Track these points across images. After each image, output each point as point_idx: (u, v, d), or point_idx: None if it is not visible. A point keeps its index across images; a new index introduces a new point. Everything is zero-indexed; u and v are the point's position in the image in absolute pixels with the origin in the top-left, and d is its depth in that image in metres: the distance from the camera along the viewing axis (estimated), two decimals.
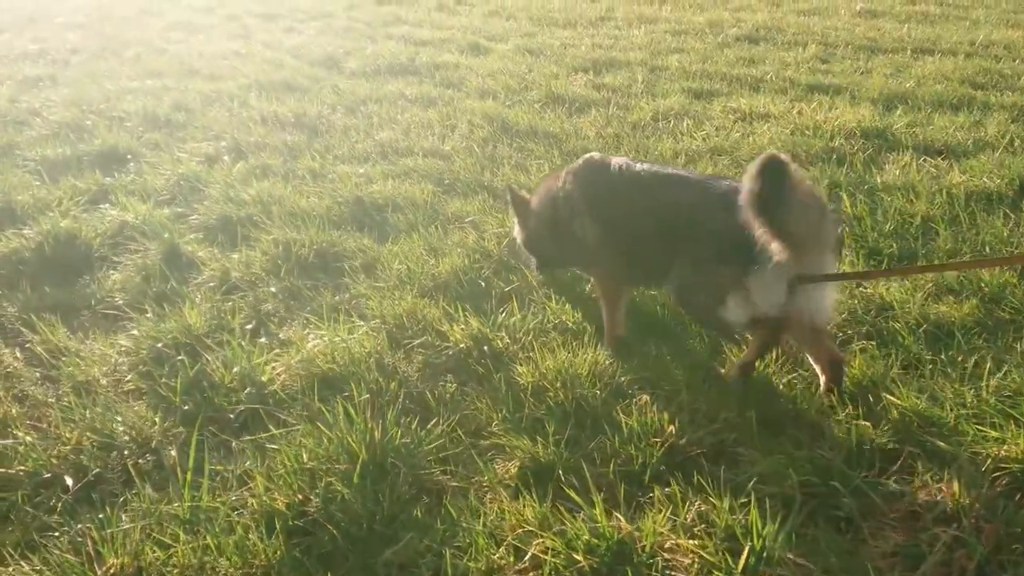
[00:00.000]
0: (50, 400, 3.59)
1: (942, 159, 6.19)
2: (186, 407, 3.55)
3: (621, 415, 3.30)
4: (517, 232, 4.40)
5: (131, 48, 12.09)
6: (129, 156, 7.06)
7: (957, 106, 7.87)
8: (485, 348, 3.86)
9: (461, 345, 3.90)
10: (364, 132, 7.64)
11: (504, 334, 3.93)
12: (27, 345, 4.07)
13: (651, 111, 8.06)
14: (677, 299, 3.66)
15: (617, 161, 3.81)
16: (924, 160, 6.20)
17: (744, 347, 3.70)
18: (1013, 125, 7.07)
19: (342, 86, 9.52)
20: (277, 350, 3.92)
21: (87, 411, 3.43)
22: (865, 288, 4.22)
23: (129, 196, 5.97)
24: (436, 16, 15.90)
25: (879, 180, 5.80)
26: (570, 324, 4.12)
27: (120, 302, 4.58)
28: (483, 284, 4.56)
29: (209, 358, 3.84)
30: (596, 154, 4.01)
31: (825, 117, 7.36)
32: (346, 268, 4.87)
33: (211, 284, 4.71)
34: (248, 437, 3.33)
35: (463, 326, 4.02)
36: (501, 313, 4.13)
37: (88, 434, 3.34)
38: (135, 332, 4.09)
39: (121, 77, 10.10)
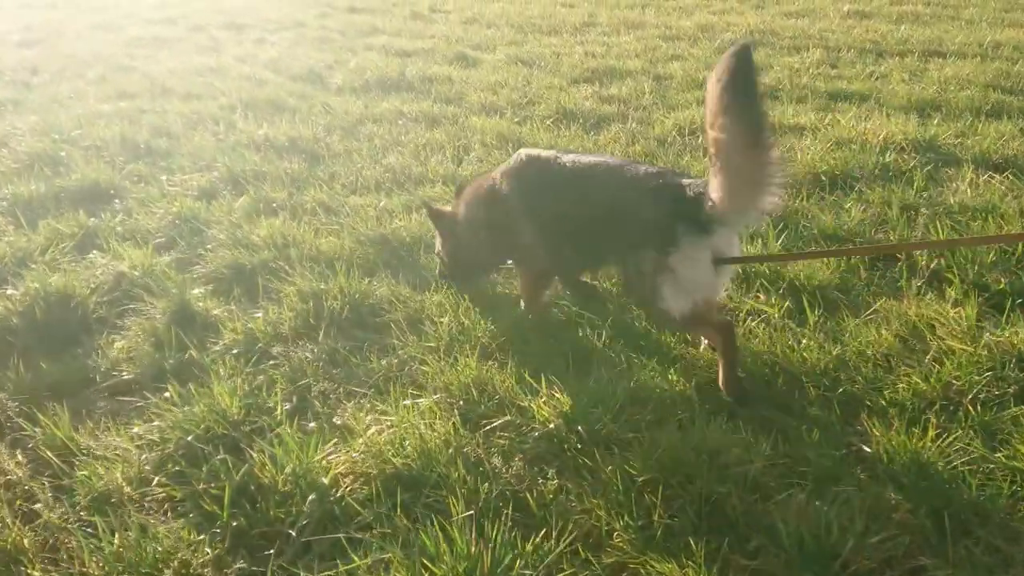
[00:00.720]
0: (68, 523, 2.91)
1: (1010, 174, 5.71)
2: (235, 523, 2.90)
3: (778, 522, 2.72)
4: (439, 245, 4.53)
5: (94, 67, 11.27)
6: (112, 192, 6.34)
7: (995, 113, 7.46)
8: (579, 428, 3.25)
9: (550, 425, 3.30)
10: (369, 157, 7.00)
11: (599, 409, 3.33)
12: (30, 445, 3.38)
13: (673, 125, 7.53)
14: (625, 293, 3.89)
15: (546, 154, 3.85)
16: (990, 176, 5.72)
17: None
18: None
19: (333, 104, 8.86)
20: (334, 440, 3.28)
21: (115, 537, 2.77)
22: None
23: (121, 241, 5.28)
24: (412, 25, 15.28)
25: (952, 200, 5.31)
26: (666, 391, 3.54)
27: (129, 376, 3.92)
28: (553, 340, 3.96)
29: (252, 453, 3.20)
30: (527, 150, 4.00)
31: (865, 128, 6.87)
32: (387, 324, 4.25)
33: (235, 351, 4.06)
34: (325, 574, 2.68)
35: (546, 399, 3.42)
36: (588, 380, 3.53)
37: (119, 568, 2.68)
38: (158, 422, 3.42)
39: (89, 99, 9.32)
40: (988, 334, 3.68)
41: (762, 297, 4.25)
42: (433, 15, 16.72)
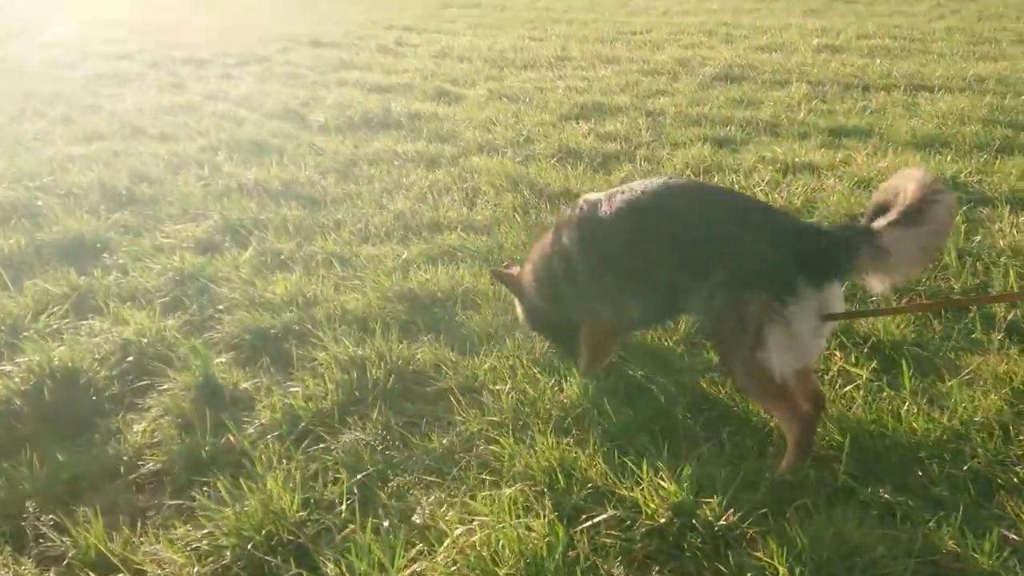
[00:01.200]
0: None
1: None
2: None
3: None
4: (519, 312, 4.17)
5: (56, 106, 10.69)
6: (99, 245, 5.84)
7: (1005, 149, 7.35)
8: (695, 522, 2.89)
9: (660, 520, 2.93)
10: (372, 201, 6.60)
11: (715, 498, 2.97)
12: (64, 562, 2.89)
13: (681, 163, 7.28)
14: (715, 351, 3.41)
15: (607, 193, 3.49)
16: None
17: None
18: None
19: (320, 144, 8.45)
20: (418, 544, 2.86)
21: None
22: None
23: (120, 303, 4.79)
24: (381, 59, 14.94)
25: (1002, 244, 5.10)
26: (768, 466, 3.20)
27: (157, 465, 3.45)
28: (629, 410, 3.60)
29: (326, 562, 2.76)
30: (587, 196, 3.64)
31: (884, 167, 6.69)
32: (439, 394, 3.86)
33: (276, 432, 3.61)
34: None
35: (648, 487, 3.05)
36: (681, 459, 3.17)
37: None
38: (208, 525, 2.96)
39: (56, 141, 8.77)
40: None
41: (838, 355, 3.95)
42: (400, 48, 16.42)
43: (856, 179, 6.51)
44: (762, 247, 2.97)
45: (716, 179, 6.78)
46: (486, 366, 4.02)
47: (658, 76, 12.19)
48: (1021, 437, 3.30)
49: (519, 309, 4.18)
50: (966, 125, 8.23)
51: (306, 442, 3.58)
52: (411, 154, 8.00)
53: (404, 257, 5.38)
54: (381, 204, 6.51)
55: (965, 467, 3.14)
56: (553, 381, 3.82)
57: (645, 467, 3.10)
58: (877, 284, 2.91)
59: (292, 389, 3.89)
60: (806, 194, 6.26)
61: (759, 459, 3.25)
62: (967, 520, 2.87)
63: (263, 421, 3.69)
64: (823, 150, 7.56)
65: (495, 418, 3.61)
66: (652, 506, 2.96)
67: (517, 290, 4.11)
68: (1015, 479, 3.07)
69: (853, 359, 3.89)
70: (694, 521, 2.89)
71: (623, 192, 3.40)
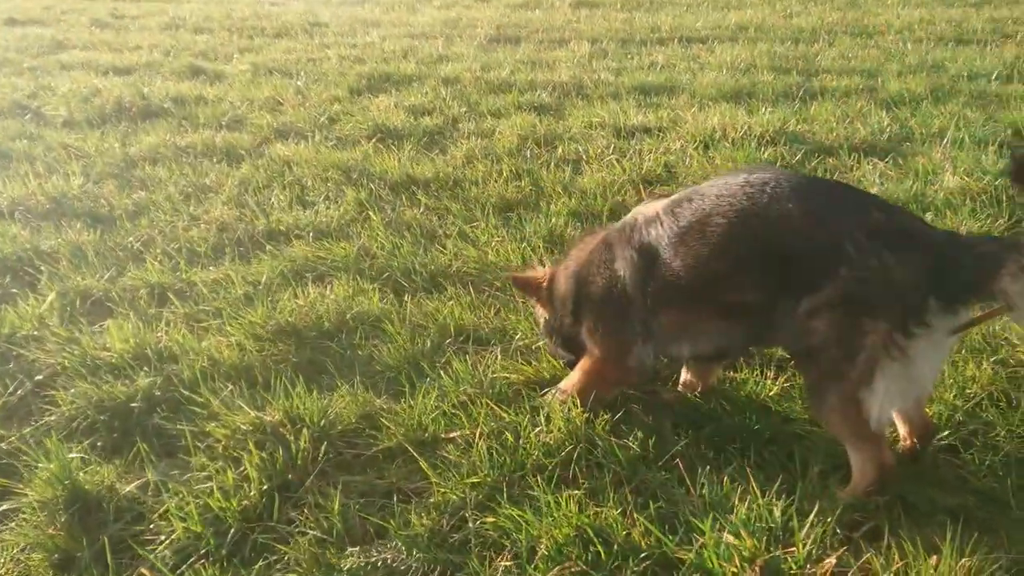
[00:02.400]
0: None
1: (882, 160, 5.66)
2: None
3: None
4: (546, 318, 3.49)
5: None
6: None
7: (805, 96, 7.56)
8: None
9: None
10: (177, 211, 5.48)
11: (796, 544, 2.54)
12: None
13: (513, 135, 6.78)
14: (801, 373, 2.94)
15: (670, 203, 2.88)
16: (873, 163, 5.65)
17: None
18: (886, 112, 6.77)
19: (76, 145, 6.98)
20: None
21: None
22: None
23: None
24: (102, 35, 13.04)
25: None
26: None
27: None
28: (628, 440, 3.09)
29: None
30: (646, 207, 3.04)
31: (713, 124, 6.57)
32: (387, 456, 3.13)
33: (200, 548, 2.70)
34: None
35: (710, 543, 2.56)
36: (733, 496, 2.72)
37: None
38: None
39: None
40: None
41: None
42: (119, 22, 14.43)
43: (697, 139, 6.34)
44: (887, 259, 2.38)
45: (561, 150, 6.35)
46: (431, 411, 3.30)
47: (429, 39, 11.58)
48: None
49: (541, 321, 3.59)
50: (758, 75, 8.42)
51: (245, 553, 2.71)
52: (198, 147, 6.82)
53: (255, 280, 4.43)
54: (191, 214, 5.41)
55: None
56: (526, 419, 3.19)
57: (710, 520, 2.59)
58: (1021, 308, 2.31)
59: (201, 485, 2.95)
60: (655, 158, 5.99)
61: (791, 477, 2.85)
62: None
63: (175, 536, 2.75)
64: (644, 110, 7.38)
65: (475, 479, 2.94)
66: (734, 569, 2.46)
67: (545, 300, 3.46)
68: None
69: None
70: None
71: (691, 200, 2.79)
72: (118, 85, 8.93)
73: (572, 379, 3.30)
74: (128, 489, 2.97)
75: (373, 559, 2.66)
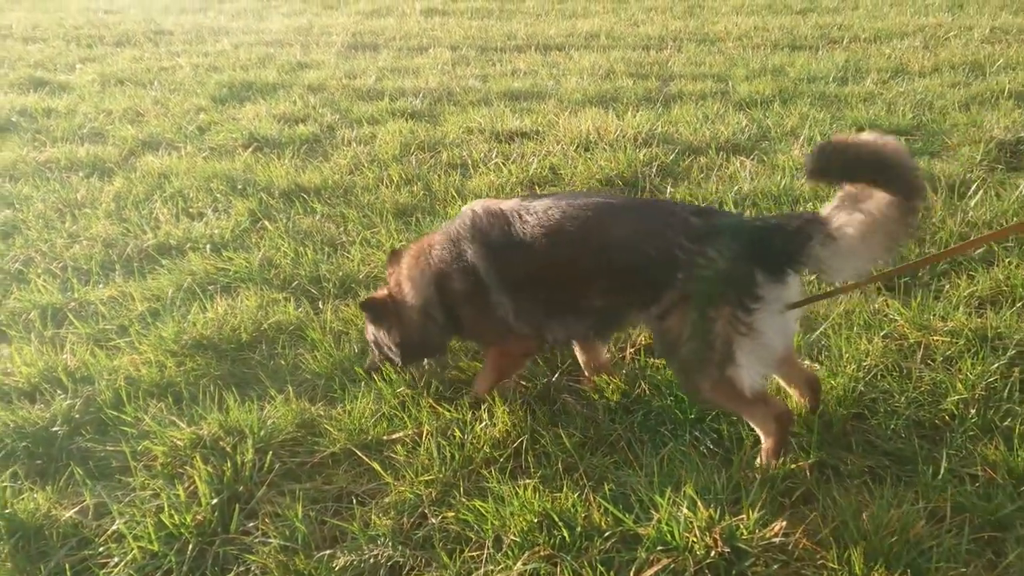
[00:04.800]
0: None
1: (747, 157, 6.12)
2: None
3: None
4: (385, 338, 3.51)
5: None
6: None
7: (660, 100, 8.01)
8: (743, 545, 2.67)
9: (713, 555, 2.65)
10: (52, 228, 5.22)
11: (743, 513, 2.77)
12: None
13: (393, 142, 6.83)
14: (671, 369, 3.21)
15: (511, 204, 3.15)
16: (742, 161, 6.10)
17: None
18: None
19: None
20: None
21: None
22: None
23: None
24: None
25: (747, 189, 5.50)
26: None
27: None
28: (572, 430, 3.25)
29: None
30: (479, 203, 3.27)
31: (585, 128, 6.86)
32: (334, 461, 3.16)
33: (161, 567, 2.65)
34: None
35: (665, 514, 2.76)
36: (679, 473, 2.94)
37: None
38: None
39: None
40: None
41: None
42: None
43: (575, 142, 6.60)
44: (711, 255, 2.72)
45: (445, 155, 6.46)
46: (370, 414, 3.35)
47: (285, 47, 11.40)
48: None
49: (384, 337, 3.53)
50: (618, 80, 8.81)
51: (207, 567, 2.68)
52: (61, 161, 6.48)
53: (155, 295, 4.31)
54: (68, 232, 5.15)
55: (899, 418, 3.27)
56: (471, 415, 3.29)
57: (661, 496, 2.78)
58: (837, 274, 2.72)
59: (149, 503, 2.87)
60: (540, 161, 6.20)
61: (723, 452, 3.11)
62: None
63: (131, 556, 2.68)
64: (518, 115, 7.58)
65: (428, 476, 3.02)
66: (694, 539, 2.64)
67: (395, 318, 3.46)
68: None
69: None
70: (741, 544, 2.64)
71: (541, 209, 3.04)
72: None
73: (484, 373, 3.46)
74: (68, 515, 2.86)
75: (341, 561, 2.69)
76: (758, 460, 3.00)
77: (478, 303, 3.22)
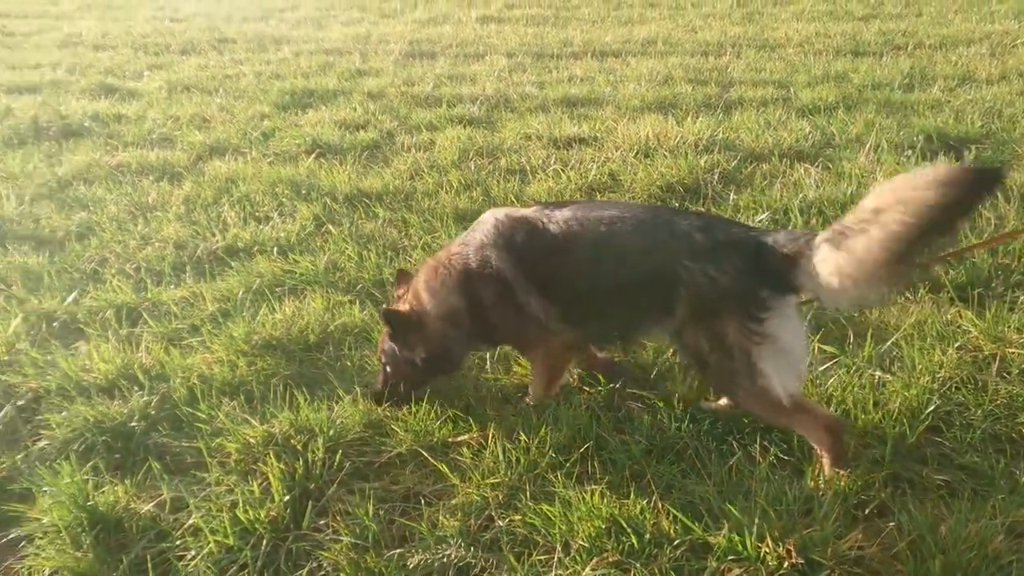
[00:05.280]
0: None
1: (812, 165, 6.02)
2: None
3: None
4: (407, 352, 3.46)
5: None
6: None
7: (725, 107, 7.96)
8: (818, 557, 2.64)
9: (785, 566, 2.63)
10: (125, 230, 5.38)
11: (819, 526, 2.74)
12: None
13: (452, 148, 6.88)
14: (699, 374, 3.21)
15: (532, 213, 3.22)
16: (804, 167, 6.01)
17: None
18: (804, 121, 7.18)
19: (7, 167, 6.70)
20: None
21: None
22: None
23: None
24: None
25: (812, 196, 5.41)
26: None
27: None
28: (637, 436, 3.24)
29: None
30: (502, 211, 3.34)
31: (644, 134, 6.83)
32: (401, 462, 3.21)
33: (235, 561, 2.71)
34: None
35: (734, 524, 2.74)
36: (748, 485, 2.91)
37: None
38: None
39: None
40: None
41: None
42: (11, 39, 13.82)
43: (634, 148, 6.59)
44: (712, 272, 2.78)
45: (503, 161, 6.49)
46: (436, 416, 3.39)
47: (344, 55, 11.55)
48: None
49: (409, 354, 3.47)
50: (676, 86, 8.77)
51: (280, 563, 2.74)
52: (132, 165, 6.67)
53: (225, 296, 4.40)
54: (141, 234, 5.29)
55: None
56: (537, 418, 3.31)
57: (735, 506, 2.76)
58: (829, 304, 2.77)
59: (224, 499, 2.94)
60: (599, 167, 6.19)
61: (792, 462, 3.07)
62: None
63: (208, 550, 2.74)
64: (575, 121, 7.60)
65: (495, 479, 3.04)
66: (767, 549, 2.62)
67: (418, 330, 3.43)
68: None
69: None
70: (815, 556, 2.60)
71: (561, 219, 3.13)
72: (30, 104, 8.58)
73: (537, 377, 3.50)
74: (146, 508, 2.94)
75: (412, 561, 2.72)
76: (826, 472, 2.96)
77: (508, 305, 3.26)
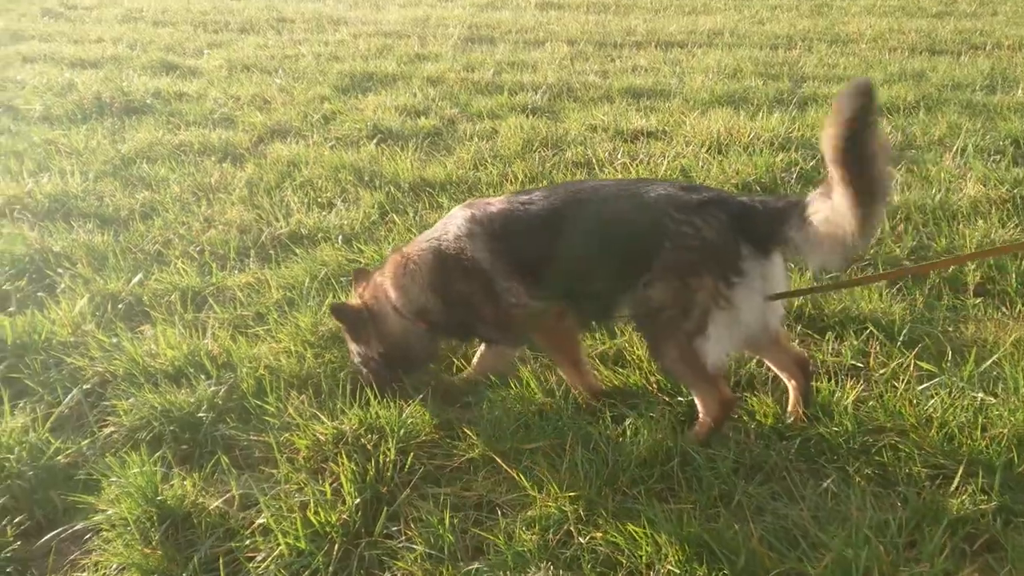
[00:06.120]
0: None
1: (894, 167, 5.75)
2: None
3: None
4: (364, 349, 3.47)
5: None
6: None
7: (798, 103, 7.69)
8: None
9: None
10: (188, 211, 5.33)
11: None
12: None
13: (515, 137, 6.72)
14: (642, 334, 3.26)
15: (504, 199, 3.25)
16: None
17: None
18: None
19: (62, 141, 6.72)
20: None
21: None
22: None
23: None
24: (57, 26, 12.59)
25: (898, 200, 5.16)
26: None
27: None
28: (727, 449, 3.08)
29: None
30: (468, 203, 3.37)
31: (716, 129, 6.62)
32: (473, 467, 3.08)
33: (307, 567, 2.61)
34: None
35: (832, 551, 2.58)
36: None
37: None
38: None
39: None
40: None
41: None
42: (72, 12, 13.92)
43: (705, 142, 6.38)
44: (698, 224, 2.81)
45: (568, 153, 6.33)
46: (511, 420, 3.25)
47: (403, 38, 11.43)
48: None
49: (363, 349, 3.49)
50: (746, 80, 8.52)
51: (352, 570, 2.63)
52: (194, 145, 6.62)
53: (289, 284, 4.31)
54: (205, 216, 5.23)
55: None
56: (613, 424, 3.17)
57: (824, 533, 2.60)
58: (812, 262, 2.84)
59: (294, 498, 2.84)
60: (669, 162, 6.01)
61: (890, 487, 2.89)
62: None
63: (278, 552, 2.64)
64: (641, 113, 7.41)
65: (573, 491, 2.90)
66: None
67: (374, 322, 3.43)
68: None
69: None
70: None
71: (538, 198, 3.14)
72: (93, 80, 8.60)
73: (558, 363, 3.48)
74: (215, 504, 2.85)
75: (486, 574, 2.60)
76: (697, 431, 3.06)
77: (489, 296, 3.20)
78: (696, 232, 2.81)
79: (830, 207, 2.55)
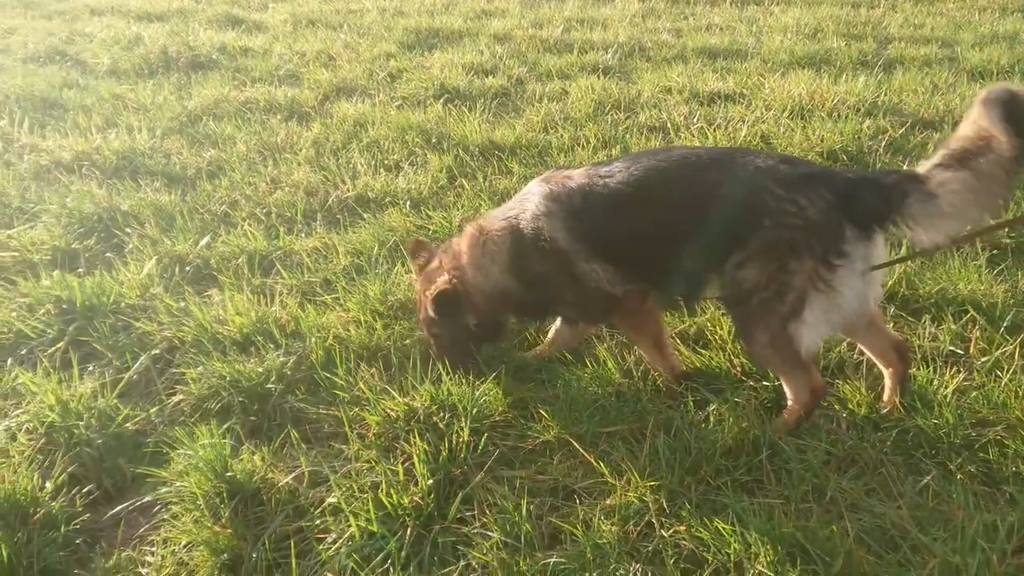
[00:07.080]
0: None
1: None
2: None
3: None
4: (455, 329, 3.29)
5: None
6: None
7: (883, 65, 7.29)
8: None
9: None
10: (254, 171, 5.24)
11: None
12: None
13: (586, 99, 6.49)
14: (731, 315, 3.02)
15: (583, 171, 3.05)
16: None
17: None
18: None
19: (129, 96, 6.68)
20: None
21: None
22: None
23: None
24: None
25: None
26: None
27: None
28: (817, 440, 2.90)
29: None
30: (546, 176, 3.17)
31: (798, 93, 6.30)
32: (548, 451, 2.95)
33: (379, 550, 2.52)
34: None
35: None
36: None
37: None
38: None
39: None
40: None
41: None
42: None
43: (786, 107, 6.08)
44: (801, 202, 2.63)
45: (642, 116, 6.10)
46: (588, 402, 3.11)
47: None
48: None
49: (457, 332, 3.33)
50: (827, 40, 8.13)
51: (425, 556, 2.53)
52: (260, 102, 6.54)
53: (357, 250, 4.21)
54: (271, 177, 5.14)
55: None
56: (695, 409, 3.01)
57: (925, 534, 2.42)
58: (931, 236, 2.57)
59: (365, 478, 2.75)
60: (749, 128, 5.73)
61: (994, 486, 2.69)
62: None
63: (350, 534, 2.56)
64: (718, 75, 7.11)
65: (654, 480, 2.75)
66: None
67: (462, 303, 3.27)
68: None
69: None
70: None
71: (621, 169, 2.92)
72: (160, 33, 8.56)
73: (642, 348, 3.32)
74: (284, 480, 2.77)
75: (567, 568, 2.48)
76: (786, 419, 2.91)
77: (569, 277, 3.04)
78: (800, 211, 2.62)
79: (963, 177, 2.44)
